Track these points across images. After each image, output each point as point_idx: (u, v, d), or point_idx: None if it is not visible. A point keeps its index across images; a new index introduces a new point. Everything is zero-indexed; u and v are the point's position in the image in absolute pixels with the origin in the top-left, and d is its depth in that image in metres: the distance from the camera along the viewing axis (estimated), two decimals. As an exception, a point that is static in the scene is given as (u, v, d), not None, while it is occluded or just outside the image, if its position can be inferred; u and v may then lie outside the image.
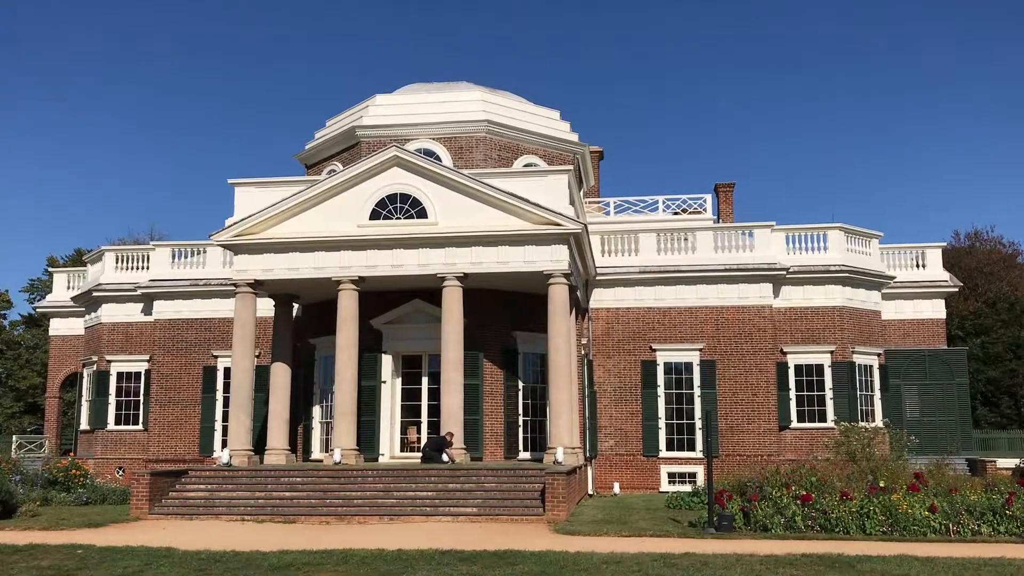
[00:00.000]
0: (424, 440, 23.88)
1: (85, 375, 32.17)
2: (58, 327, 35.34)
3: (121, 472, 29.50)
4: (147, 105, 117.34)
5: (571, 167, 23.00)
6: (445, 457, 21.13)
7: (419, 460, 22.27)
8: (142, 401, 30.31)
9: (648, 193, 32.31)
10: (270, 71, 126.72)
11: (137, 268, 31.00)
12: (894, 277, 29.60)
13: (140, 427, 30.24)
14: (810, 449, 26.60)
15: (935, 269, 30.65)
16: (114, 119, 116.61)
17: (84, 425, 31.72)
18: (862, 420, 27.00)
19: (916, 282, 30.26)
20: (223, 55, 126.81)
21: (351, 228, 22.20)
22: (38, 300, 60.51)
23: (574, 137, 29.87)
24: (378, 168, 22.31)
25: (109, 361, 30.69)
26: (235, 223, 22.60)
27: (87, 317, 32.61)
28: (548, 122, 29.52)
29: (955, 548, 13.22)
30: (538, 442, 24.73)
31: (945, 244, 33.02)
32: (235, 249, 22.83)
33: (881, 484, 17.23)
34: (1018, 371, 51.13)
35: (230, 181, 23.77)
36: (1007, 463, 27.43)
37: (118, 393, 30.63)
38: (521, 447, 24.60)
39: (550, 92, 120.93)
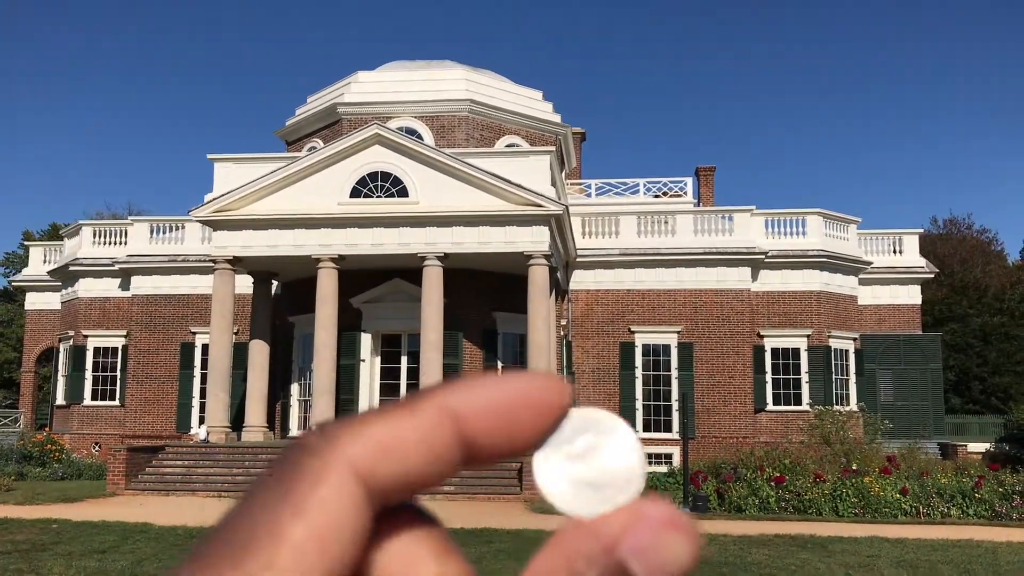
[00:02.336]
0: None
1: (61, 350, 31.92)
2: (34, 301, 34.99)
3: (97, 448, 29.35)
4: (127, 79, 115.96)
5: (553, 148, 22.98)
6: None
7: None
8: (119, 377, 30.12)
9: (630, 175, 32.45)
10: (252, 46, 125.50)
11: (115, 243, 30.72)
12: (871, 263, 29.82)
13: (117, 403, 30.06)
14: (785, 432, 26.84)
15: (912, 255, 30.90)
16: (92, 93, 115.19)
17: (60, 400, 31.51)
18: (837, 404, 27.24)
19: (893, 268, 30.50)
20: (205, 30, 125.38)
21: (331, 206, 22.10)
22: (13, 274, 59.88)
23: (556, 118, 29.81)
24: (359, 146, 22.19)
25: (86, 336, 30.46)
26: (214, 199, 22.44)
27: (63, 292, 32.32)
28: (531, 102, 29.43)
29: (925, 530, 13.43)
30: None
31: (922, 230, 33.28)
32: (214, 225, 22.68)
33: (854, 467, 17.45)
34: (987, 358, 51.77)
35: (209, 156, 23.59)
36: (978, 447, 27.83)
37: (95, 368, 30.42)
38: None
39: (533, 72, 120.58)
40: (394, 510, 0.37)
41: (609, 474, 0.37)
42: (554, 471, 0.37)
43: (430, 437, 0.36)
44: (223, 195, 22.32)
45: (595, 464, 0.37)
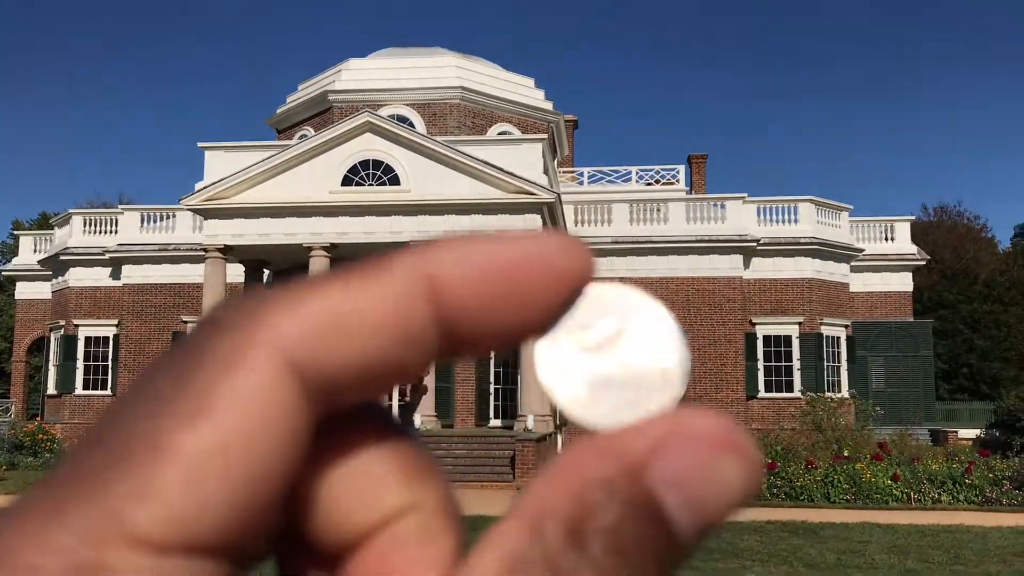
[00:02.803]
0: (395, 407, 23.89)
1: (52, 339, 31.81)
2: (24, 291, 34.84)
3: (89, 437, 29.26)
4: (117, 67, 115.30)
5: (545, 136, 22.93)
6: (418, 421, 21.19)
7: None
8: (110, 366, 30.03)
9: (622, 164, 32.41)
10: (243, 34, 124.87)
11: (105, 232, 30.58)
12: (863, 250, 29.86)
13: (109, 392, 29.98)
14: (777, 418, 26.90)
15: (903, 242, 30.97)
16: (83, 81, 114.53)
17: (51, 390, 31.41)
18: (828, 391, 27.31)
19: (884, 255, 30.57)
20: (196, 18, 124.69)
21: (323, 194, 22.03)
22: (3, 264, 59.60)
23: (549, 106, 29.74)
24: (350, 134, 22.11)
25: (77, 325, 30.35)
26: (205, 187, 22.35)
27: (54, 281, 32.18)
28: (523, 90, 29.35)
29: (916, 515, 13.50)
30: (509, 410, 24.83)
31: (913, 218, 33.34)
32: (205, 214, 22.60)
33: (846, 453, 17.51)
34: (976, 345, 51.97)
35: (200, 145, 23.48)
36: (968, 433, 27.93)
37: (86, 358, 30.33)
38: (492, 415, 24.71)
39: (525, 60, 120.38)
40: (351, 415, 0.27)
41: (638, 371, 0.27)
42: (564, 364, 0.27)
43: (398, 311, 0.25)
44: (214, 183, 22.23)
45: (619, 357, 0.27)
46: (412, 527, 0.26)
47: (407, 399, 21.29)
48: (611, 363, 0.27)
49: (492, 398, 24.80)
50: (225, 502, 0.23)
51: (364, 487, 0.26)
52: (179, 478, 0.22)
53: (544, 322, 0.27)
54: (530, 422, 20.47)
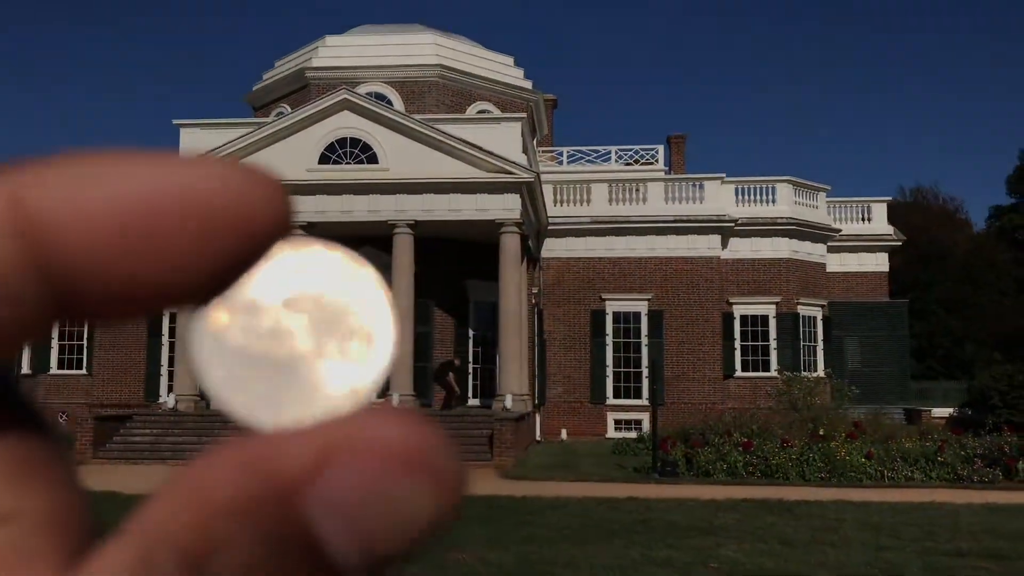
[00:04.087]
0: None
1: (26, 319, 31.47)
2: (-3, 269, 34.44)
3: (64, 417, 29.08)
4: (88, 43, 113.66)
5: (524, 115, 22.84)
6: (396, 400, 21.17)
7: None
8: (86, 345, 29.80)
9: (601, 143, 32.38)
10: (219, 9, 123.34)
11: (79, 210, 30.22)
12: (840, 230, 30.04)
13: (84, 371, 29.77)
14: (754, 398, 27.11)
15: (880, 223, 31.18)
16: (53, 57, 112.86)
17: (25, 369, 31.12)
18: (805, 370, 27.52)
19: (861, 235, 30.77)
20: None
21: (300, 172, 21.86)
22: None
23: (528, 84, 29.62)
24: (327, 111, 21.94)
25: (51, 304, 30.02)
26: (180, 165, 22.12)
27: (27, 259, 31.80)
28: (502, 68, 29.21)
29: (889, 493, 13.67)
30: (488, 389, 24.87)
31: (890, 199, 33.54)
32: (181, 192, 22.38)
33: (821, 432, 17.67)
34: (950, 325, 52.52)
35: (175, 122, 23.22)
36: (942, 412, 28.27)
37: (61, 337, 30.04)
38: (471, 394, 24.73)
39: (504, 38, 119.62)
40: None
41: (316, 359, 0.21)
42: (225, 345, 0.21)
43: None
44: (189, 161, 22.00)
45: (298, 340, 0.21)
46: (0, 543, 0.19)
47: (452, 387, 21.77)
48: (285, 347, 0.21)
49: (471, 378, 24.82)
50: None
51: None
52: None
53: (203, 286, 0.20)
54: (508, 401, 20.52)
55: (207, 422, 20.10)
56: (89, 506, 0.21)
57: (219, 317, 0.21)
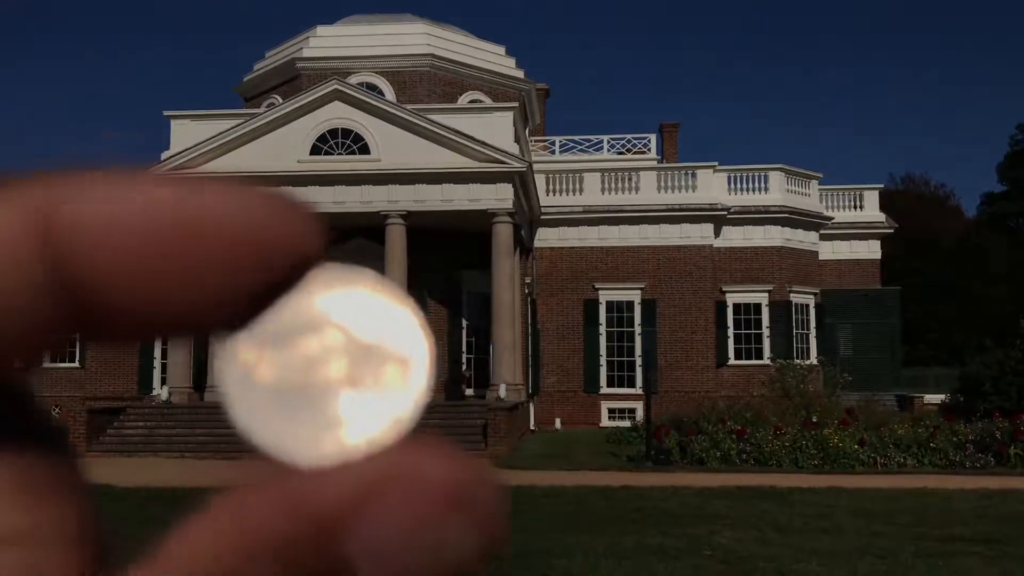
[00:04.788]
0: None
1: (17, 312, 31.37)
2: (-12, 263, 34.31)
3: (57, 410, 29.01)
4: (82, 34, 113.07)
5: (516, 104, 22.80)
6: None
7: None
8: (78, 338, 29.65)
9: (594, 132, 32.24)
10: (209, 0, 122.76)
11: (70, 202, 30.10)
12: (832, 218, 30.08)
13: (77, 365, 29.70)
14: (747, 386, 27.14)
15: (872, 210, 31.24)
16: (43, 47, 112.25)
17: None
18: (798, 358, 27.57)
19: (853, 223, 30.83)
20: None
21: (291, 163, 21.81)
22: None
23: (520, 74, 29.56)
24: (319, 102, 21.87)
25: (42, 298, 29.94)
26: (171, 157, 22.05)
27: (18, 253, 31.69)
28: (494, 58, 29.13)
29: (881, 479, 13.73)
30: (481, 379, 24.88)
31: (882, 186, 33.61)
32: (172, 184, 22.30)
33: (814, 419, 17.72)
34: (940, 312, 52.68)
35: (166, 113, 23.11)
36: (934, 399, 28.36)
37: (52, 330, 29.95)
38: (464, 384, 24.75)
39: (496, 28, 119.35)
40: None
41: (352, 391, 0.20)
42: (253, 375, 0.20)
43: None
44: (180, 153, 21.93)
45: (330, 371, 0.20)
46: (13, 561, 0.19)
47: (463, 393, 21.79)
48: (318, 377, 0.20)
49: (464, 368, 24.83)
50: None
51: None
52: None
53: (231, 314, 0.19)
54: (502, 391, 20.54)
55: (200, 414, 20.08)
56: (102, 521, 0.20)
57: (248, 348, 0.20)
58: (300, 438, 0.19)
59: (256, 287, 0.19)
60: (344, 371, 0.20)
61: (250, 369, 0.20)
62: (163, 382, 27.10)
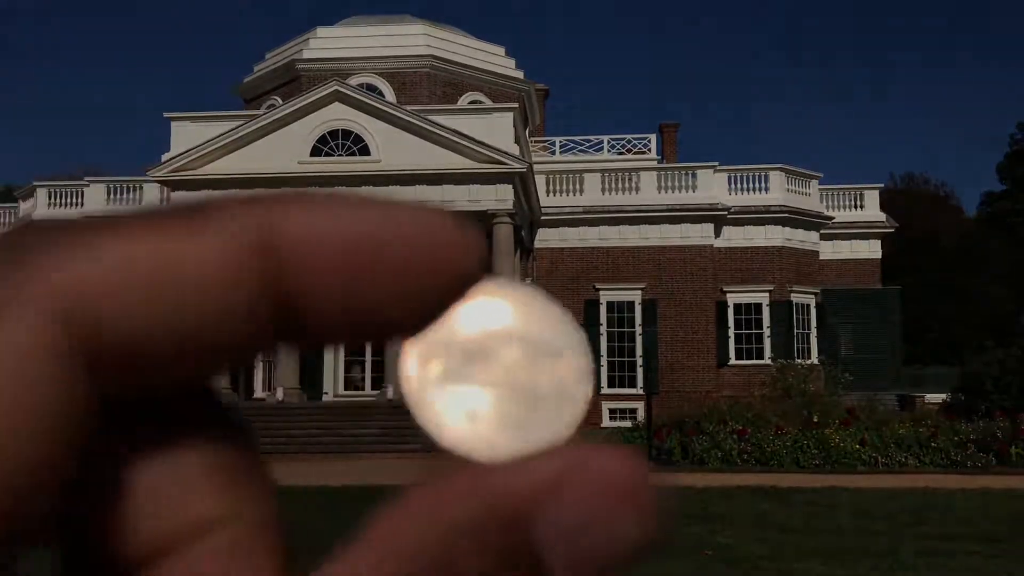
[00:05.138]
0: (368, 378, 23.91)
1: (18, 314, 31.34)
2: (-12, 265, 34.25)
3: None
4: (81, 34, 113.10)
5: (516, 105, 22.81)
6: (391, 392, 21.18)
7: (364, 399, 22.30)
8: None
9: (594, 133, 32.26)
10: (209, 1, 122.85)
11: (71, 204, 30.08)
12: (832, 217, 30.08)
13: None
14: (748, 385, 27.13)
15: (872, 210, 31.24)
16: (43, 48, 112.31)
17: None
18: (798, 357, 27.57)
19: (854, 223, 30.83)
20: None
21: (291, 164, 21.82)
22: (-33, 237, 58.31)
23: (520, 75, 29.58)
24: (319, 103, 21.89)
25: (43, 300, 29.93)
26: (172, 159, 22.06)
27: (19, 255, 31.67)
28: (493, 59, 29.15)
29: (883, 479, 13.73)
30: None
31: (882, 186, 33.63)
32: (172, 185, 22.31)
33: (815, 419, 17.70)
34: (940, 311, 52.67)
35: (166, 115, 23.13)
36: (935, 398, 28.35)
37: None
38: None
39: (496, 28, 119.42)
40: (173, 403, 0.21)
41: (529, 391, 0.21)
42: (437, 375, 0.21)
43: (224, 274, 0.20)
44: (180, 154, 21.94)
45: (507, 372, 0.21)
46: (224, 542, 0.21)
47: None
48: (496, 379, 0.21)
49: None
50: None
51: (170, 491, 0.20)
52: None
53: (416, 319, 0.21)
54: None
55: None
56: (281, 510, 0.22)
57: (428, 353, 0.21)
58: (482, 436, 0.20)
59: (436, 297, 0.21)
60: (518, 370, 0.21)
61: (429, 371, 0.21)
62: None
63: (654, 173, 28.03)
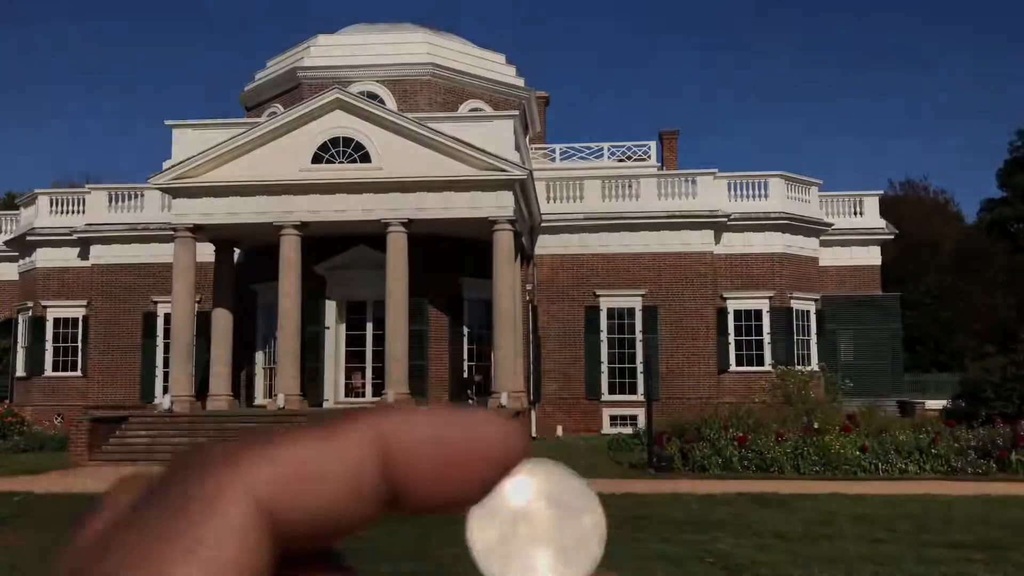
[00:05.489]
0: (369, 385, 23.95)
1: (20, 321, 31.39)
2: (-10, 272, 34.28)
3: (60, 419, 29.01)
4: (83, 42, 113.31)
5: (517, 112, 22.89)
6: (391, 398, 21.22)
7: (365, 405, 22.33)
8: (80, 347, 29.73)
9: (594, 140, 32.35)
10: (211, 9, 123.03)
11: (73, 212, 30.15)
12: (832, 224, 30.12)
13: (79, 373, 29.71)
14: (748, 392, 27.12)
15: (872, 217, 31.26)
16: (48, 57, 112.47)
17: (20, 372, 31.04)
18: (799, 364, 27.58)
19: (853, 229, 30.86)
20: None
21: (293, 172, 21.86)
22: (-32, 244, 58.43)
23: (520, 82, 29.64)
24: (320, 111, 21.95)
25: (45, 307, 29.99)
26: (173, 166, 22.11)
27: (21, 262, 31.74)
28: (494, 66, 29.22)
29: (883, 485, 13.75)
30: (483, 387, 24.90)
31: (882, 192, 33.65)
32: (174, 193, 22.37)
33: (815, 426, 17.73)
34: (940, 317, 52.65)
35: (167, 123, 23.18)
36: (935, 404, 28.36)
37: (55, 339, 30.00)
38: (475, 387, 24.77)
39: (496, 36, 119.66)
40: (302, 562, 0.29)
41: (559, 541, 0.31)
42: (494, 536, 0.30)
43: (355, 470, 0.28)
44: (182, 162, 21.99)
45: (541, 528, 0.31)
46: None
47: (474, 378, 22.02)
48: (536, 535, 0.30)
49: (475, 372, 24.87)
50: None
51: None
52: None
53: (479, 496, 0.30)
54: (504, 399, 20.59)
55: (202, 423, 20.13)
56: None
57: (486, 516, 0.30)
58: None
59: (493, 479, 0.30)
60: (551, 535, 0.31)
61: (487, 534, 0.30)
62: (165, 390, 27.10)
63: (654, 180, 28.09)
